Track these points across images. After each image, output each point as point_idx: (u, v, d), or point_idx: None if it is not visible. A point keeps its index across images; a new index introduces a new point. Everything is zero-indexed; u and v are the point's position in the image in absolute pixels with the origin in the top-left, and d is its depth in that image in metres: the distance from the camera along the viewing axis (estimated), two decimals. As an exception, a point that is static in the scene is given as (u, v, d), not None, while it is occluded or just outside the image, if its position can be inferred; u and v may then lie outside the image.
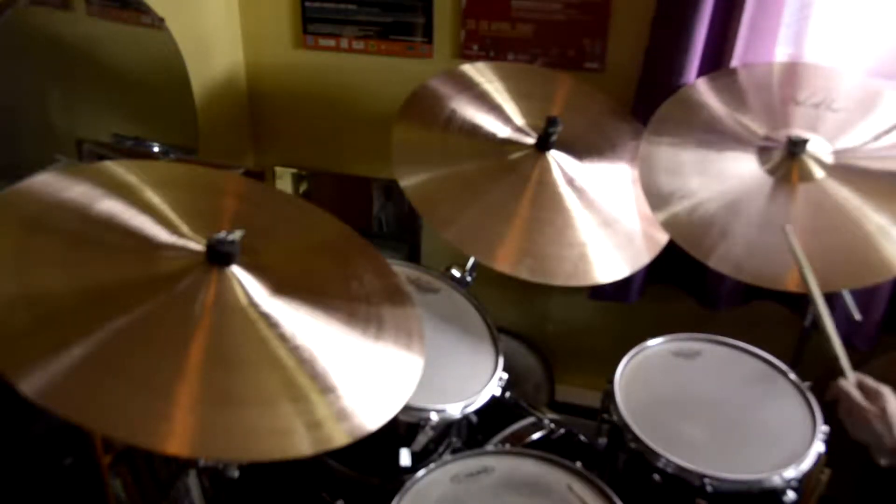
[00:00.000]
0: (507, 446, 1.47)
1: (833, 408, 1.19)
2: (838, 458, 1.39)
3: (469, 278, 1.65)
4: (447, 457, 1.34)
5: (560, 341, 2.21)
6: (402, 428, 1.35)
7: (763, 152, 1.52)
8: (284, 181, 2.27)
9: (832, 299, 1.68)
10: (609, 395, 1.40)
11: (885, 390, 1.14)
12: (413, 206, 1.46)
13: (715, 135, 1.55)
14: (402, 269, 1.62)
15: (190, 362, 0.94)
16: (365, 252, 1.30)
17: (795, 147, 1.48)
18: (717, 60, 1.74)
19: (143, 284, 1.00)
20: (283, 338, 1.02)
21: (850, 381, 1.16)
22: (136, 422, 0.86)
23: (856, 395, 1.14)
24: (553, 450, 1.33)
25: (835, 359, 1.19)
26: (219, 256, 1.04)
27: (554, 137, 1.55)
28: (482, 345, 1.51)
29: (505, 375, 1.46)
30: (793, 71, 1.68)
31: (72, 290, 0.95)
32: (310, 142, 2.21)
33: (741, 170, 1.51)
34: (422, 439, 1.34)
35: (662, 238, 1.51)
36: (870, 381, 1.16)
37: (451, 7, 1.92)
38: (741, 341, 1.52)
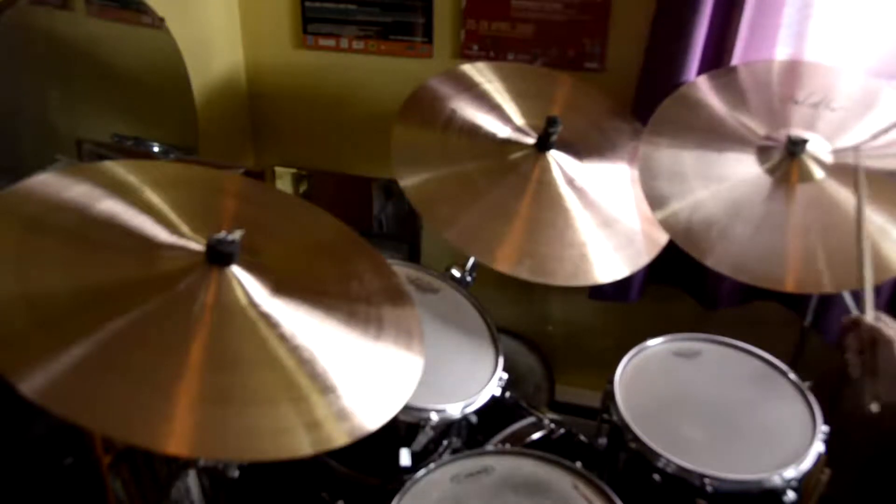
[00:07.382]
0: (507, 446, 1.47)
1: (836, 376, 1.20)
2: (838, 458, 1.39)
3: (469, 278, 1.65)
4: (447, 457, 1.34)
5: (560, 341, 2.21)
6: (402, 428, 1.35)
7: (762, 152, 1.52)
8: (284, 181, 2.26)
9: (832, 298, 1.68)
10: (609, 395, 1.40)
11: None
12: (413, 206, 1.46)
13: (715, 134, 1.55)
14: (402, 269, 1.62)
15: (190, 362, 0.94)
16: (365, 252, 1.30)
17: (795, 147, 1.48)
18: (717, 60, 1.73)
19: (143, 284, 1.00)
20: (283, 338, 1.02)
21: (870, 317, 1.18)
22: (136, 422, 0.86)
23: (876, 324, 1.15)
24: (553, 450, 1.33)
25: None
26: (219, 256, 1.04)
27: (554, 137, 1.55)
28: (482, 345, 1.51)
29: (505, 375, 1.46)
30: (793, 69, 1.68)
31: (72, 290, 0.95)
32: (310, 142, 2.21)
33: (741, 169, 1.51)
34: (422, 439, 1.35)
35: (662, 238, 1.51)
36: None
37: (451, 7, 1.92)
38: (741, 341, 1.52)
